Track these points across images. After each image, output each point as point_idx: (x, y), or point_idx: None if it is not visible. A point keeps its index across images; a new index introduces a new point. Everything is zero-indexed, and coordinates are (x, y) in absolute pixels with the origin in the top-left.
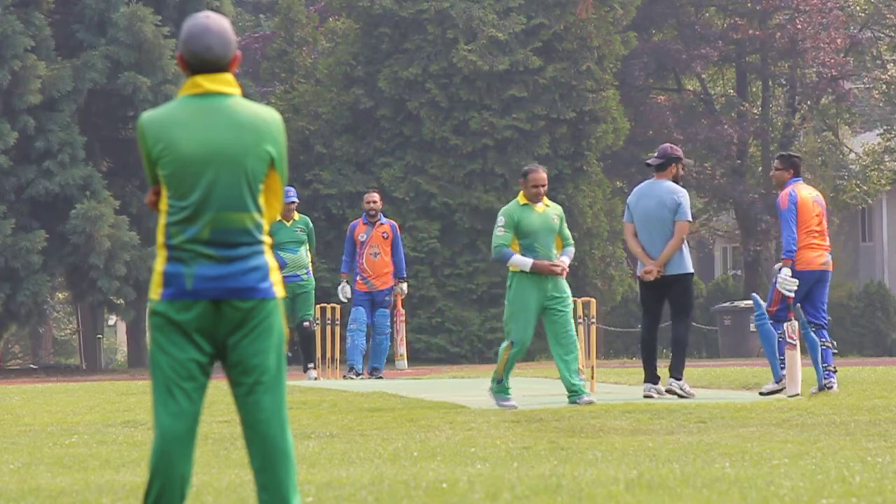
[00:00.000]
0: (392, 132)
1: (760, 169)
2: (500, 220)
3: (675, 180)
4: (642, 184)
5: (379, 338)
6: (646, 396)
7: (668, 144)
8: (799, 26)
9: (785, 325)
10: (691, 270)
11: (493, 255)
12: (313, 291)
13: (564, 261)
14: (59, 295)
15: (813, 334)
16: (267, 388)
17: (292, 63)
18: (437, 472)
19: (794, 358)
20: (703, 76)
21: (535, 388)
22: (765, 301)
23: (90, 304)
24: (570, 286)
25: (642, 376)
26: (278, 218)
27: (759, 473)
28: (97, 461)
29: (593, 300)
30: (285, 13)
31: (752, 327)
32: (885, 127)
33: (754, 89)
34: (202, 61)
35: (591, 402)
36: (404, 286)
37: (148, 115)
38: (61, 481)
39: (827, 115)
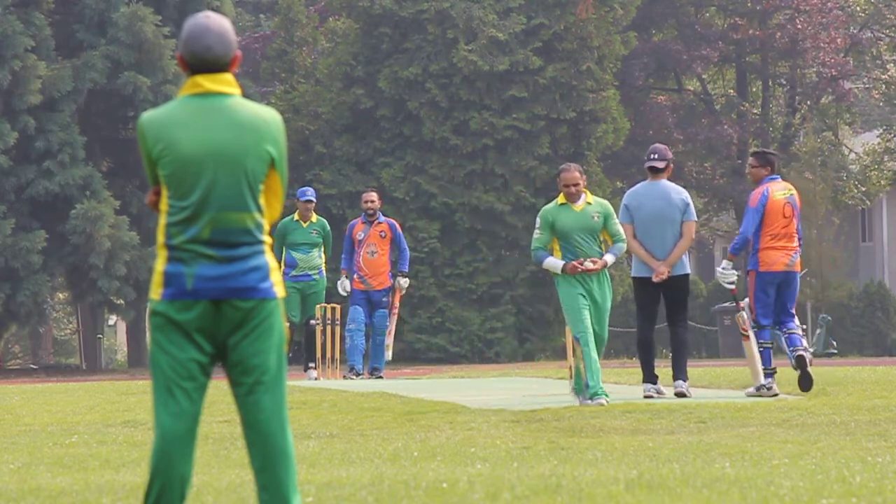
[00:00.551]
0: (392, 132)
1: None
2: (537, 221)
3: (669, 180)
4: (640, 185)
5: (379, 338)
6: (646, 397)
7: (661, 145)
8: (799, 26)
9: (736, 315)
10: (689, 271)
11: (532, 258)
12: (323, 292)
13: (607, 258)
14: (59, 295)
15: (776, 329)
16: (267, 388)
17: (292, 63)
18: (437, 472)
19: (751, 349)
20: (704, 76)
21: (534, 388)
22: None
23: (90, 304)
24: None
25: (642, 376)
26: (296, 218)
27: (759, 473)
28: (97, 461)
29: None
30: (285, 13)
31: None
32: (884, 127)
33: (754, 89)
34: (202, 61)
35: (600, 405)
36: (403, 281)
37: (148, 115)
38: (61, 481)
39: (827, 115)
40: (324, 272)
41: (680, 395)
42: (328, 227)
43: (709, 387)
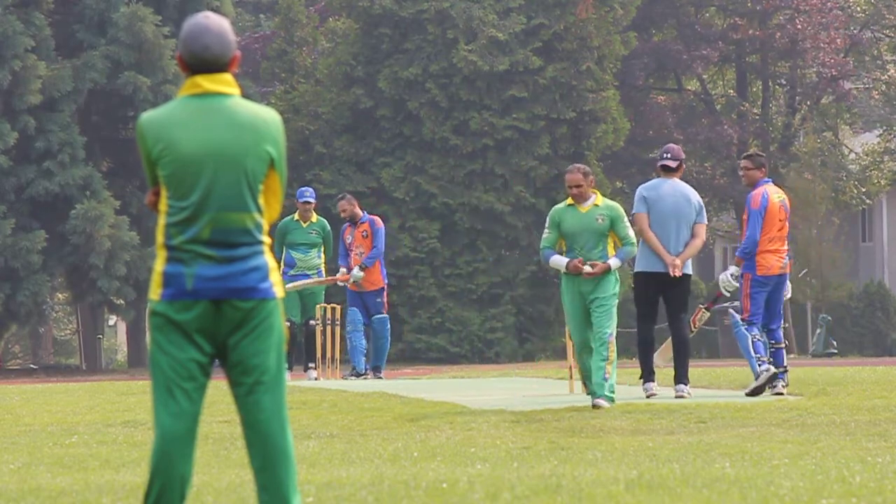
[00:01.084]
0: (392, 132)
1: None
2: (547, 220)
3: None
4: (657, 180)
5: (380, 341)
6: (648, 396)
7: (675, 145)
8: (799, 26)
9: (702, 313)
10: (691, 272)
11: (541, 257)
12: (322, 292)
13: (611, 262)
14: (59, 295)
15: (765, 336)
16: (267, 388)
17: (292, 63)
18: (437, 472)
19: (666, 344)
20: (704, 76)
21: (534, 388)
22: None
23: (90, 304)
24: None
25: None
26: (296, 218)
27: (759, 473)
28: (97, 461)
29: None
30: (285, 13)
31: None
32: (884, 127)
33: (754, 89)
34: (201, 61)
35: (598, 406)
36: (357, 273)
37: (147, 116)
38: (61, 481)
39: (827, 115)
40: (323, 272)
41: (680, 398)
42: (328, 228)
43: (709, 387)
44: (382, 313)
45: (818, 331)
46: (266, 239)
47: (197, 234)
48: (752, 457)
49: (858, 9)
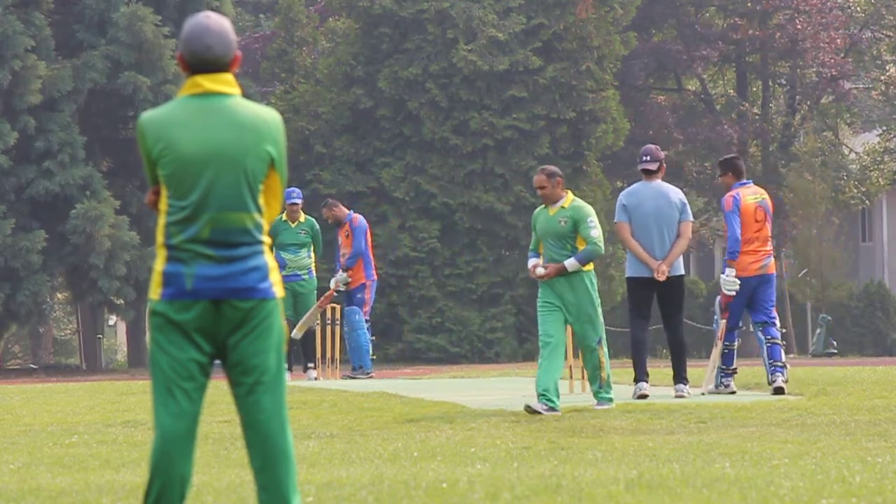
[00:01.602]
0: (392, 132)
1: (761, 168)
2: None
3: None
4: (637, 185)
5: (352, 334)
6: (639, 396)
7: (652, 146)
8: (799, 26)
9: (714, 326)
10: (683, 272)
11: None
12: (315, 292)
13: (567, 263)
14: (59, 295)
15: (760, 333)
16: (267, 388)
17: (292, 63)
18: (437, 472)
19: (713, 356)
20: (704, 76)
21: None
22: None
23: (90, 304)
24: None
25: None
26: (284, 218)
27: (759, 473)
28: (97, 461)
29: None
30: (285, 13)
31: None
32: (884, 127)
33: (754, 89)
34: (202, 61)
35: (535, 411)
36: (340, 276)
37: (148, 115)
38: (61, 481)
39: (827, 115)
40: (314, 272)
41: (680, 398)
42: (317, 227)
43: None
44: (357, 307)
45: (818, 331)
46: (266, 239)
47: (197, 233)
48: (752, 457)
49: (858, 9)
